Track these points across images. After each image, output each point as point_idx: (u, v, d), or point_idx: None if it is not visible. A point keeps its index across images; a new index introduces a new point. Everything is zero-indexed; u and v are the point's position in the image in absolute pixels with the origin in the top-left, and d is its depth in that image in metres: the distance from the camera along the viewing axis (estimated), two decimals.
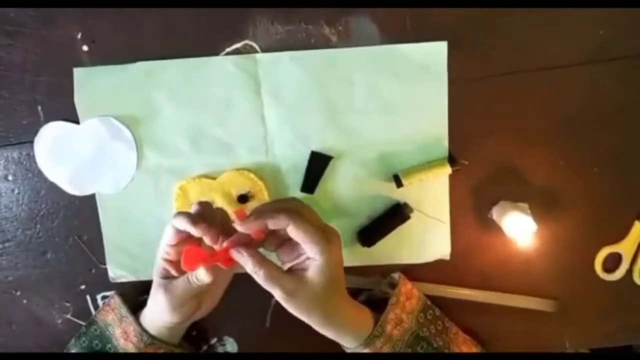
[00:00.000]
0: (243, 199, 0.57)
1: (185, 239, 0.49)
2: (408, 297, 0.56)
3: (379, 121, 0.57)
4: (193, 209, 0.48)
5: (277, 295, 0.45)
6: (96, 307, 0.62)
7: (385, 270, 0.60)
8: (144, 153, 0.58)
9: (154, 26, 0.56)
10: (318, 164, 0.57)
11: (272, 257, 0.49)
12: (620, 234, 0.60)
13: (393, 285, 0.57)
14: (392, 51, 0.56)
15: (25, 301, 0.62)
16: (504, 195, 0.58)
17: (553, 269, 0.60)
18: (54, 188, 0.59)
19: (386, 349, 0.52)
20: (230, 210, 0.57)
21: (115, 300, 0.57)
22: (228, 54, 0.56)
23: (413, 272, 0.60)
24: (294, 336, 0.57)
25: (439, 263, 0.60)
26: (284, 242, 0.48)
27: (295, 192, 0.58)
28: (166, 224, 0.48)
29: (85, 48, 0.56)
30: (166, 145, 0.58)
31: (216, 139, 0.58)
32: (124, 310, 0.56)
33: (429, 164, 0.57)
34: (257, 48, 0.56)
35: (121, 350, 0.55)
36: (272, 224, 0.44)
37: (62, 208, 0.60)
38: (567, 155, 0.58)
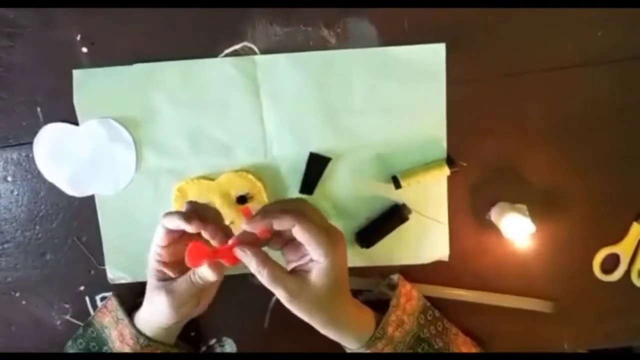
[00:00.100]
0: (242, 200, 0.57)
1: (176, 239, 0.49)
2: (408, 298, 0.56)
3: (378, 123, 0.57)
4: (185, 207, 0.48)
5: (280, 295, 0.45)
6: (95, 308, 0.62)
7: (383, 271, 0.60)
8: (143, 154, 0.58)
9: (153, 28, 0.56)
10: (317, 165, 0.57)
11: (278, 255, 0.49)
12: (618, 235, 0.60)
13: (392, 287, 0.57)
14: (391, 53, 0.56)
15: (24, 302, 0.62)
16: (502, 197, 0.58)
17: (551, 270, 0.60)
18: (53, 189, 0.59)
19: (387, 351, 0.52)
20: (231, 211, 0.57)
21: (112, 303, 0.57)
22: (227, 55, 0.56)
23: (411, 273, 0.60)
24: (293, 337, 0.58)
25: (437, 264, 0.60)
26: (289, 241, 0.48)
27: (294, 193, 0.58)
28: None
29: (84, 50, 0.56)
30: (165, 146, 0.58)
31: (215, 140, 0.58)
32: (120, 313, 0.55)
33: (428, 166, 0.57)
34: (256, 50, 0.56)
35: None
36: (277, 225, 0.44)
37: (61, 209, 0.60)
38: (566, 156, 0.58)
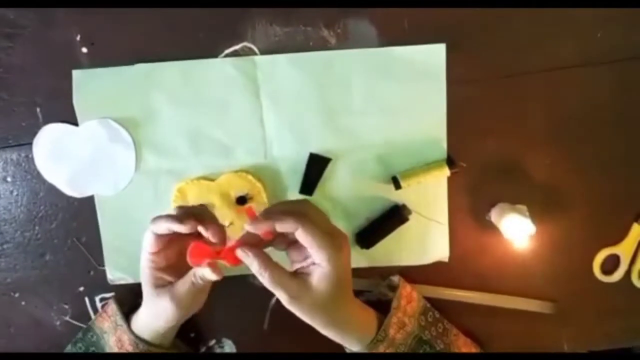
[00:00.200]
0: (242, 200, 0.57)
1: (166, 243, 0.49)
2: (408, 300, 0.56)
3: (378, 123, 0.57)
4: (175, 211, 0.48)
5: (282, 298, 0.45)
6: (95, 309, 0.62)
7: (383, 272, 0.60)
8: (143, 155, 0.58)
9: (153, 28, 0.56)
10: (317, 165, 0.57)
11: (282, 255, 0.49)
12: (618, 236, 0.60)
13: (392, 288, 0.57)
14: (391, 53, 0.56)
15: (23, 303, 0.62)
16: (503, 197, 0.58)
17: (551, 270, 0.60)
18: (52, 190, 0.59)
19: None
20: (230, 212, 0.57)
21: (112, 308, 0.56)
22: (227, 55, 0.56)
23: (411, 274, 0.60)
24: (293, 338, 0.58)
25: (437, 265, 0.60)
26: (294, 241, 0.47)
27: (294, 194, 0.58)
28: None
29: (84, 50, 0.56)
30: (165, 147, 0.58)
31: (215, 140, 0.58)
32: (119, 318, 0.55)
33: (428, 166, 0.57)
34: (256, 50, 0.56)
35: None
36: (280, 227, 0.44)
37: (60, 210, 0.60)
38: (566, 157, 0.58)
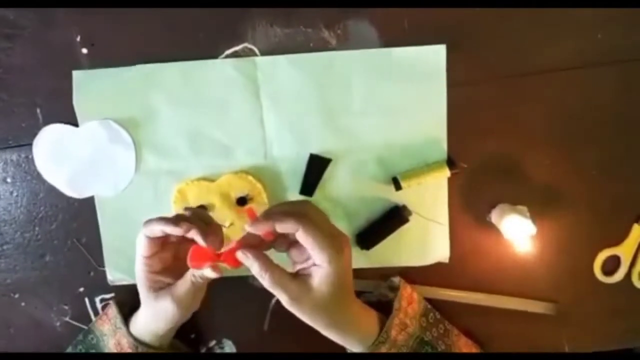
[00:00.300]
0: (242, 201, 0.57)
1: (160, 246, 0.49)
2: (409, 301, 0.56)
3: (378, 124, 0.57)
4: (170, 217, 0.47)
5: (282, 299, 0.45)
6: (95, 309, 0.61)
7: (384, 273, 0.60)
8: (143, 156, 0.58)
9: (153, 29, 0.56)
10: (317, 166, 0.57)
11: (283, 256, 0.49)
12: (619, 237, 0.60)
13: (393, 289, 0.57)
14: (391, 54, 0.56)
15: (23, 304, 0.62)
16: (503, 198, 0.58)
17: (552, 271, 0.60)
18: (52, 190, 0.59)
19: None
20: (231, 213, 0.57)
21: (112, 310, 0.56)
22: (227, 56, 0.56)
23: (412, 274, 0.60)
24: (293, 339, 0.57)
25: (437, 266, 0.60)
26: (295, 242, 0.47)
27: (294, 194, 0.58)
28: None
29: (84, 51, 0.56)
30: (165, 147, 0.58)
31: (215, 141, 0.58)
32: (119, 321, 0.55)
33: (428, 167, 0.57)
34: (256, 51, 0.56)
35: None
36: (280, 228, 0.44)
37: (60, 211, 0.60)
38: (566, 158, 0.58)
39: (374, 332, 0.51)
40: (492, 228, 0.58)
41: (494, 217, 0.57)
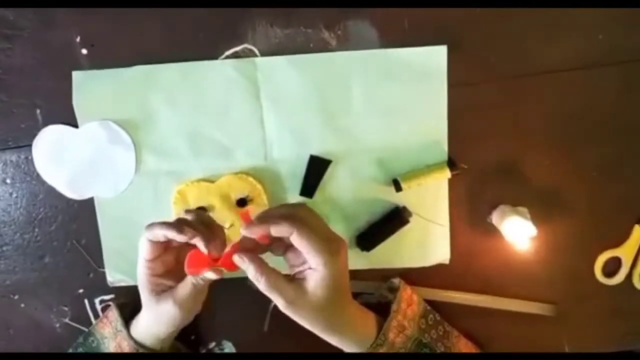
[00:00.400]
0: (242, 202, 0.57)
1: (162, 250, 0.48)
2: (409, 303, 0.55)
3: (379, 125, 0.57)
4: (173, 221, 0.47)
5: (278, 302, 0.45)
6: (94, 311, 0.61)
7: (384, 274, 0.60)
8: (143, 157, 0.58)
9: (153, 30, 0.56)
10: (317, 167, 0.57)
11: (279, 260, 0.49)
12: (620, 238, 0.59)
13: (393, 290, 0.57)
14: (392, 55, 0.56)
15: (23, 305, 0.62)
16: (504, 200, 0.58)
17: (553, 273, 0.60)
18: (52, 192, 0.59)
19: None
20: (230, 214, 0.57)
21: (113, 313, 0.56)
22: (227, 57, 0.56)
23: (412, 276, 0.59)
24: (293, 340, 0.57)
25: (438, 267, 0.60)
26: (291, 246, 0.47)
27: (294, 196, 0.58)
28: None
29: (84, 51, 0.56)
30: (165, 148, 0.58)
31: (215, 142, 0.57)
32: (119, 324, 0.55)
33: (429, 168, 0.57)
34: (256, 52, 0.56)
35: None
36: (275, 231, 0.44)
37: (60, 212, 0.60)
38: (567, 159, 0.58)
39: (371, 335, 0.51)
40: (493, 229, 0.58)
41: (495, 218, 0.57)
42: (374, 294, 0.59)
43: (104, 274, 0.60)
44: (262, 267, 0.44)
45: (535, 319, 0.60)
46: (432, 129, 0.57)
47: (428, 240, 0.59)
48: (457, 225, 0.59)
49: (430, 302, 0.58)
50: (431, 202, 0.58)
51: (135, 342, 0.53)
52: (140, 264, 0.49)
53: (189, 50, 0.56)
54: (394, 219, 0.58)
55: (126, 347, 0.53)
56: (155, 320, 0.51)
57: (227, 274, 0.47)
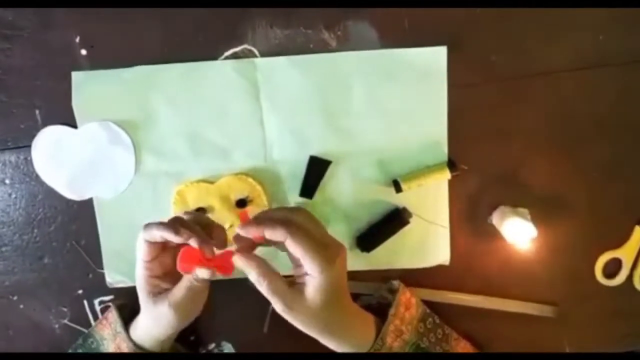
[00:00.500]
0: (241, 203, 0.57)
1: (160, 250, 0.48)
2: (407, 307, 0.55)
3: (378, 126, 0.57)
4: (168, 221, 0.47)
5: (277, 306, 0.44)
6: (93, 312, 0.61)
7: (384, 276, 0.59)
8: (142, 157, 0.58)
9: (153, 30, 0.56)
10: (317, 168, 0.57)
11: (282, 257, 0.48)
12: (620, 239, 0.59)
13: (393, 292, 0.57)
14: (392, 55, 0.55)
15: (22, 306, 0.62)
16: (504, 201, 0.58)
17: (553, 274, 0.60)
18: (51, 192, 0.59)
19: None
20: (230, 215, 0.57)
21: (112, 314, 0.56)
22: (227, 58, 0.56)
23: (412, 277, 0.59)
24: (292, 342, 0.57)
25: (438, 268, 0.60)
26: None
27: (294, 196, 0.58)
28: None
29: (83, 52, 0.56)
30: (164, 149, 0.58)
31: (214, 143, 0.57)
32: (119, 326, 0.54)
33: (429, 169, 0.57)
34: (256, 52, 0.56)
35: None
36: (270, 235, 0.43)
37: (59, 212, 0.59)
38: (568, 160, 0.58)
39: (370, 339, 0.50)
40: (493, 230, 0.58)
41: (495, 219, 0.57)
42: (374, 295, 0.59)
43: (103, 274, 0.60)
44: (265, 270, 0.44)
45: (536, 320, 0.60)
46: (432, 130, 0.57)
47: (428, 241, 0.59)
48: (457, 226, 0.59)
49: (430, 303, 0.58)
50: (431, 203, 0.58)
51: (135, 344, 0.53)
52: (139, 265, 0.49)
53: (188, 51, 0.56)
54: (394, 220, 0.58)
55: (125, 349, 0.53)
56: (153, 323, 0.51)
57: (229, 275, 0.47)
